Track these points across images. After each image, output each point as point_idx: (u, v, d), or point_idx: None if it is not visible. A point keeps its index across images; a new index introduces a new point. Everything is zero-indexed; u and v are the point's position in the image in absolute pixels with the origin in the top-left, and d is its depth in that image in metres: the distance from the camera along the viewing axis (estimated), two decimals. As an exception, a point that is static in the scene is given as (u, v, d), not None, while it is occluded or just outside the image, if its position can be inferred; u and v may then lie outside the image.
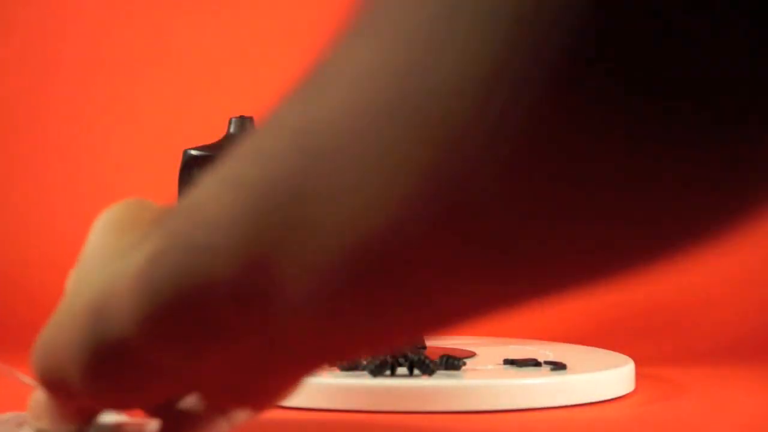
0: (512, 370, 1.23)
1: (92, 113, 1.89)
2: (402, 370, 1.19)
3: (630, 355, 1.32)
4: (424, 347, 1.35)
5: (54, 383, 0.73)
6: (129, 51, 1.90)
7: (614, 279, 0.48)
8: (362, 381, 1.15)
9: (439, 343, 1.41)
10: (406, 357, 1.18)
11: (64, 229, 1.84)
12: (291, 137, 0.53)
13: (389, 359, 1.17)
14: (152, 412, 0.82)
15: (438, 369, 1.19)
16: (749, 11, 0.38)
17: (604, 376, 1.22)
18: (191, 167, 1.42)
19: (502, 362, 1.27)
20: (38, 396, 0.79)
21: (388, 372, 1.17)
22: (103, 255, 0.72)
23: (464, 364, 1.22)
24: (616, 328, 1.67)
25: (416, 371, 1.18)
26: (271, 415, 1.15)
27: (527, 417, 1.14)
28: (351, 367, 1.19)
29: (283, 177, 0.53)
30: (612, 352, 1.37)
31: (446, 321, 0.56)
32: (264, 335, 0.60)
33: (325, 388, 1.15)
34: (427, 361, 1.17)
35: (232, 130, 1.43)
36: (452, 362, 1.21)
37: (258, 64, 1.90)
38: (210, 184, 0.59)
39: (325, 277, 0.53)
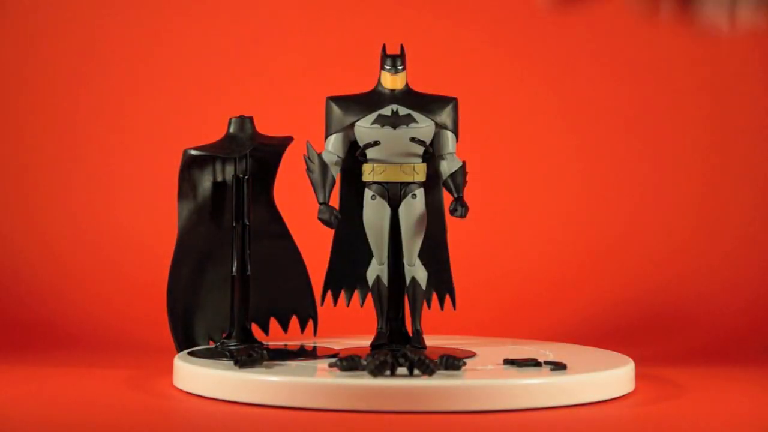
0: (512, 370, 1.23)
1: (92, 113, 1.89)
2: (402, 370, 1.19)
3: (630, 355, 1.32)
4: (424, 347, 1.35)
5: None
6: (129, 51, 1.90)
7: None
8: (362, 381, 1.15)
9: (439, 343, 1.41)
10: (406, 357, 1.18)
11: (64, 229, 1.84)
12: None
13: (389, 359, 1.17)
14: None
15: (438, 369, 1.19)
16: None
17: (604, 376, 1.22)
18: (191, 167, 1.42)
19: (502, 362, 1.27)
20: None
21: (388, 372, 1.17)
22: None
23: (464, 364, 1.22)
24: (616, 328, 1.67)
25: (416, 371, 1.18)
26: (271, 414, 1.15)
27: (527, 417, 1.14)
28: (351, 367, 1.19)
29: None
30: (612, 352, 1.37)
31: None
32: None
33: (324, 388, 1.16)
34: (427, 361, 1.17)
35: (232, 130, 1.43)
36: (452, 362, 1.21)
37: (258, 64, 1.91)
38: None
39: None
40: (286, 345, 1.40)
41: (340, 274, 1.39)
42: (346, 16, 1.90)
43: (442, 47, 1.88)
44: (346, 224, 1.37)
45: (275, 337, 1.47)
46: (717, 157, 1.84)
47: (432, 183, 1.36)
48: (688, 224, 1.82)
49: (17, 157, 1.88)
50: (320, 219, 1.33)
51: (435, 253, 1.38)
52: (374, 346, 1.36)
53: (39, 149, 1.89)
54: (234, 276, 1.40)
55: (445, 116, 1.35)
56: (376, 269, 1.36)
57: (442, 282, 1.39)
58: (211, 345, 1.41)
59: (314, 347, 1.39)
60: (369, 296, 1.38)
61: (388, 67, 1.36)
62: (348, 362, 1.20)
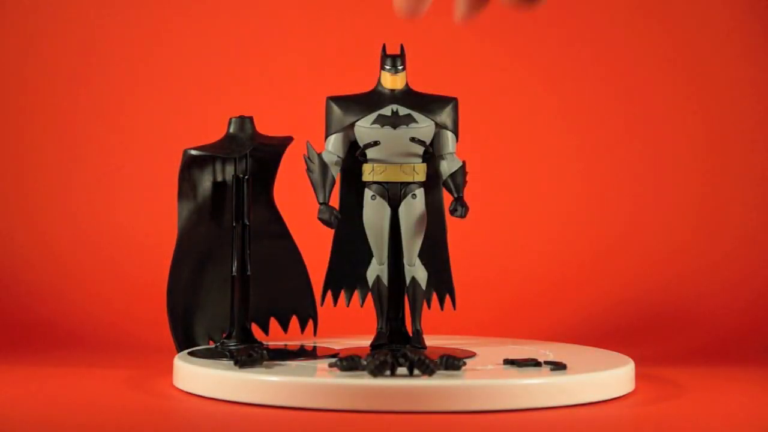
0: (512, 370, 1.23)
1: (92, 113, 1.89)
2: (402, 370, 1.19)
3: (630, 355, 1.32)
4: (424, 347, 1.35)
5: None
6: (129, 51, 1.90)
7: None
8: (362, 381, 1.16)
9: (439, 343, 1.41)
10: (406, 357, 1.18)
11: (64, 229, 1.84)
12: None
13: (389, 359, 1.17)
14: None
15: (438, 369, 1.19)
16: None
17: (604, 376, 1.22)
18: (191, 167, 1.42)
19: (502, 362, 1.27)
20: None
21: (388, 372, 1.17)
22: None
23: (464, 364, 1.22)
24: (616, 328, 1.67)
25: (416, 371, 1.18)
26: (271, 414, 1.15)
27: (527, 417, 1.14)
28: (351, 367, 1.19)
29: None
30: (612, 352, 1.37)
31: None
32: None
33: (325, 388, 1.16)
34: (427, 361, 1.17)
35: (232, 130, 1.43)
36: (452, 362, 1.21)
37: (258, 64, 1.91)
38: None
39: None
40: (286, 345, 1.40)
41: (340, 274, 1.39)
42: (346, 16, 1.90)
43: (442, 47, 1.88)
44: (346, 224, 1.37)
45: (275, 337, 1.47)
46: (717, 157, 1.84)
47: (432, 183, 1.36)
48: (688, 224, 1.82)
49: (17, 157, 1.88)
50: (320, 219, 1.33)
51: (435, 253, 1.38)
52: (374, 346, 1.36)
53: (39, 149, 1.89)
54: (234, 276, 1.40)
55: (445, 116, 1.35)
56: (376, 269, 1.36)
57: (442, 282, 1.39)
58: (211, 345, 1.41)
59: (314, 347, 1.39)
60: (369, 296, 1.38)
61: (388, 67, 1.36)
62: (348, 362, 1.20)
